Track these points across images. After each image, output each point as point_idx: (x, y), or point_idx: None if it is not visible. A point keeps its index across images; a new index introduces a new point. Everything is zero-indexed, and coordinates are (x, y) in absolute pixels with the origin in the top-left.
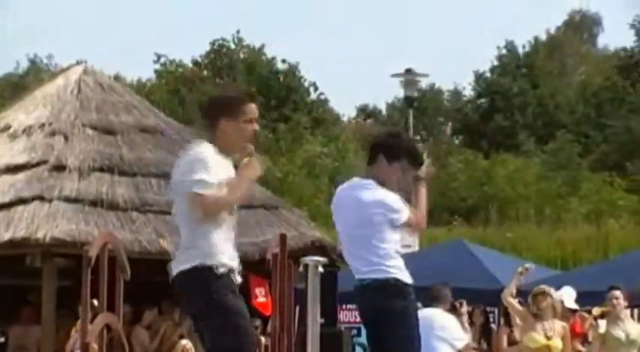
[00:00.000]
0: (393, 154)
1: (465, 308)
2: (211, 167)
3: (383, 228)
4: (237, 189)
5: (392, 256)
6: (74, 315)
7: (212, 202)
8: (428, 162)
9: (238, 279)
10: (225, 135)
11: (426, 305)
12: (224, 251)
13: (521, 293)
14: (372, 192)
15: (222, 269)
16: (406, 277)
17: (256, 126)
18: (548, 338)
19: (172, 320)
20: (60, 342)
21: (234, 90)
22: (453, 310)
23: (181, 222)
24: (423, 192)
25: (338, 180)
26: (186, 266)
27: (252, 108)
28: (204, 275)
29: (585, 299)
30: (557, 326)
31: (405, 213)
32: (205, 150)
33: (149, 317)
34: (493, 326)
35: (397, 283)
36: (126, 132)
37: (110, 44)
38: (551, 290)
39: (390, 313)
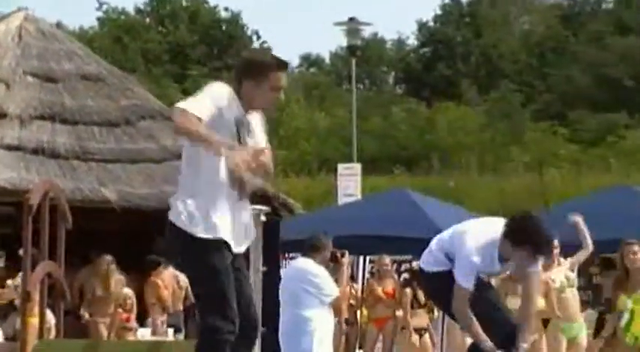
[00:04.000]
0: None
1: (347, 259)
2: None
3: None
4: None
5: None
6: (15, 264)
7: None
8: None
9: None
10: (246, 97)
11: (304, 255)
12: None
13: None
14: None
15: None
16: None
17: (280, 95)
18: None
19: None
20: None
21: (265, 56)
22: (334, 260)
23: None
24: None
25: None
26: None
27: (279, 77)
28: None
29: None
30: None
31: None
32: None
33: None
34: None
35: None
36: (67, 80)
37: None
38: None
39: None
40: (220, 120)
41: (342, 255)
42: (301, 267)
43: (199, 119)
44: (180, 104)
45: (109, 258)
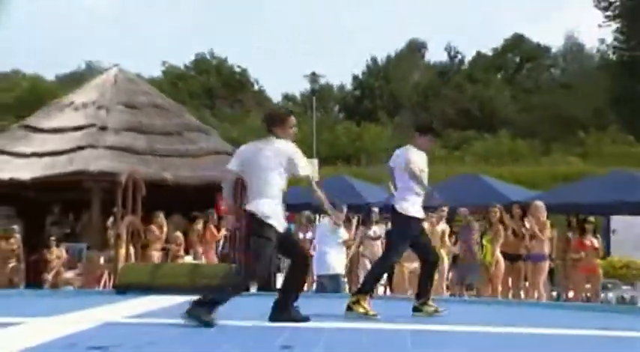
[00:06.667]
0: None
1: (355, 219)
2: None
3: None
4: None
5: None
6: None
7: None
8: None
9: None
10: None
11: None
12: None
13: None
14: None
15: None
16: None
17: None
18: None
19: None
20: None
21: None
22: (348, 220)
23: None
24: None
25: None
26: None
27: (292, 120)
28: None
29: None
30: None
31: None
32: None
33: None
34: None
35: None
36: (144, 107)
37: (128, 49)
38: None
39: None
40: None
41: (352, 217)
42: (325, 223)
43: None
44: None
45: (161, 214)
